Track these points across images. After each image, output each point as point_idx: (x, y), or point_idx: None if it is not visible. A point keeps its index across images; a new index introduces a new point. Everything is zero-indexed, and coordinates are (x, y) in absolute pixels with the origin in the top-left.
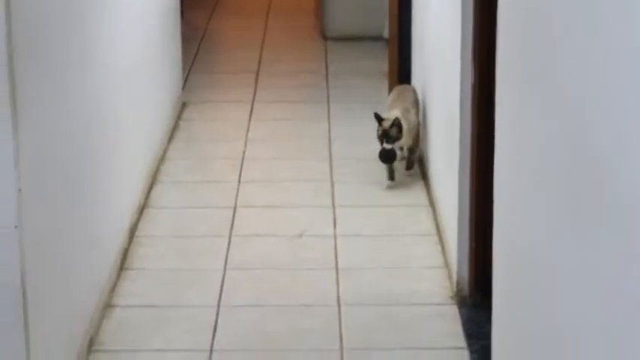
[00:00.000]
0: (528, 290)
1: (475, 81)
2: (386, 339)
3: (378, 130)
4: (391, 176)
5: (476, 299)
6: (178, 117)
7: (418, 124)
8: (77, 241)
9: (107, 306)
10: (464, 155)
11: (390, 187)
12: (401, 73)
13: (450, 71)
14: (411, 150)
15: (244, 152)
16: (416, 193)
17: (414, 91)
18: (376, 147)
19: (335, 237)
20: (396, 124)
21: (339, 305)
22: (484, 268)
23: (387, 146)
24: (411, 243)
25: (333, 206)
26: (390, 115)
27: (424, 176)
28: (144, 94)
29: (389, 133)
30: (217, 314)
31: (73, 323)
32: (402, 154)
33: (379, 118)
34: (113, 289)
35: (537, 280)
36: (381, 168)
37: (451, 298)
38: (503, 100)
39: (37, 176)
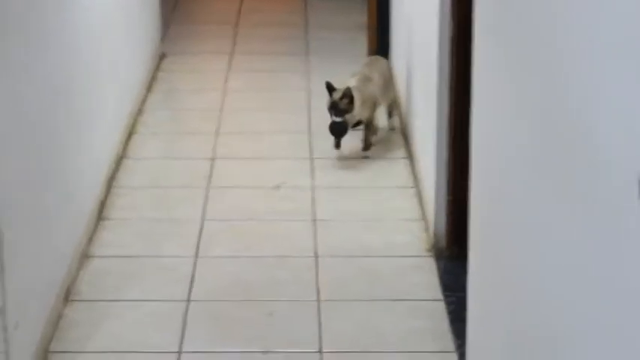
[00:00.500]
0: (504, 243)
1: (454, 34)
2: (362, 291)
3: (327, 102)
4: (337, 144)
5: (452, 251)
6: (157, 68)
7: (385, 96)
8: (54, 192)
9: (84, 256)
10: (442, 108)
11: (339, 158)
12: (380, 26)
13: (429, 23)
14: (368, 125)
15: (223, 104)
16: (394, 146)
17: (387, 64)
18: None
19: (313, 189)
20: (347, 94)
21: (316, 257)
22: (461, 221)
23: (337, 119)
24: (389, 195)
25: (311, 158)
26: (347, 83)
27: (403, 129)
28: (122, 45)
29: (338, 105)
30: (195, 265)
31: (50, 273)
32: (389, 125)
33: (330, 88)
34: (90, 239)
35: (513, 233)
36: None
37: (428, 250)
38: (480, 52)
39: (12, 126)
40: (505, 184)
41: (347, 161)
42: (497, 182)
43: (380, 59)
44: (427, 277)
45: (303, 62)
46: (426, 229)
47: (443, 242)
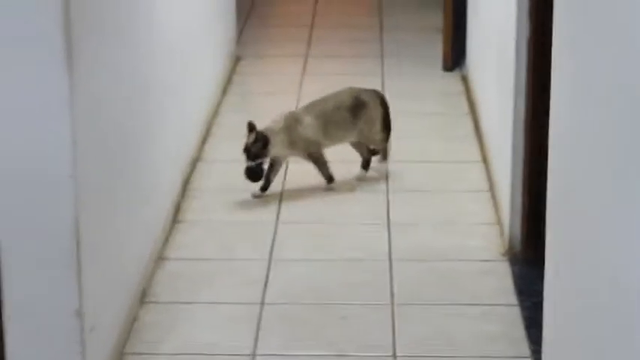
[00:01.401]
0: (583, 246)
1: (531, 34)
2: (437, 294)
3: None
4: (263, 188)
5: (528, 256)
6: (232, 71)
7: (335, 137)
8: (131, 193)
9: (160, 258)
10: (518, 110)
11: (255, 197)
12: (456, 28)
13: (506, 24)
14: (315, 162)
15: (297, 107)
16: (469, 149)
17: (345, 97)
18: (431, 104)
19: (387, 192)
20: (259, 138)
21: (390, 260)
22: (536, 225)
23: (249, 164)
24: (463, 199)
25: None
26: (270, 124)
27: (477, 131)
28: (199, 48)
29: (250, 149)
30: (268, 268)
31: (125, 274)
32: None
33: (250, 128)
34: (166, 241)
35: (593, 236)
36: (434, 122)
37: (502, 254)
38: (560, 51)
39: (92, 126)
40: (585, 186)
41: (422, 164)
42: (576, 184)
43: (340, 94)
44: (502, 282)
45: (377, 65)
46: (501, 234)
47: (518, 246)
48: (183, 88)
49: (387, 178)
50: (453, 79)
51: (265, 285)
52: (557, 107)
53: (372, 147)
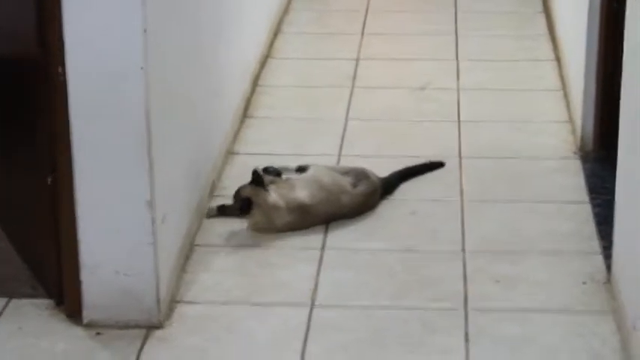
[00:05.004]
0: None
1: None
2: (507, 192)
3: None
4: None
5: (599, 154)
6: None
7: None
8: (201, 87)
9: (229, 152)
10: (593, 9)
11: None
12: None
13: None
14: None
15: (368, 4)
16: (542, 48)
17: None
18: (504, 2)
19: (458, 90)
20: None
21: (460, 157)
22: (609, 124)
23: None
24: (535, 97)
25: (457, 59)
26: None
27: (550, 30)
28: None
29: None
30: (339, 162)
31: (195, 167)
32: None
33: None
34: (236, 136)
35: None
36: (508, 21)
37: (574, 152)
38: None
39: (162, 17)
40: None
41: (493, 63)
42: None
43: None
44: (573, 180)
45: None
46: (573, 132)
47: (590, 145)
48: None
49: (457, 77)
50: None
51: None
52: (633, 6)
53: None
